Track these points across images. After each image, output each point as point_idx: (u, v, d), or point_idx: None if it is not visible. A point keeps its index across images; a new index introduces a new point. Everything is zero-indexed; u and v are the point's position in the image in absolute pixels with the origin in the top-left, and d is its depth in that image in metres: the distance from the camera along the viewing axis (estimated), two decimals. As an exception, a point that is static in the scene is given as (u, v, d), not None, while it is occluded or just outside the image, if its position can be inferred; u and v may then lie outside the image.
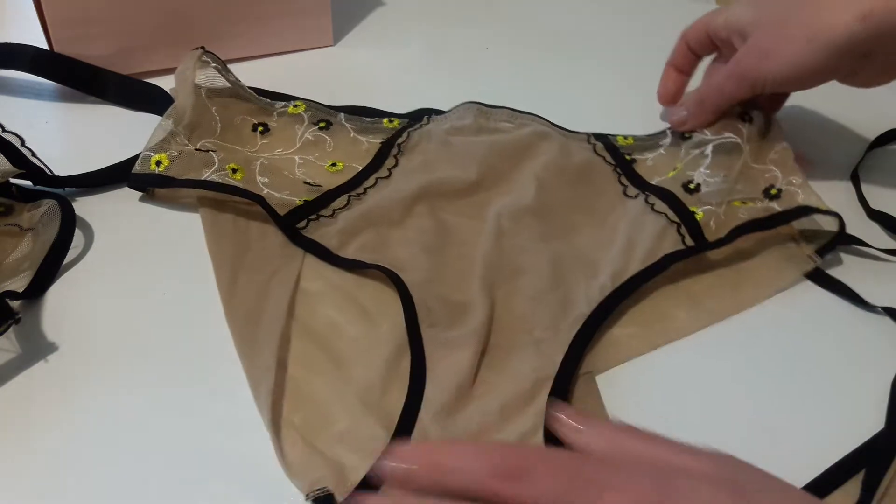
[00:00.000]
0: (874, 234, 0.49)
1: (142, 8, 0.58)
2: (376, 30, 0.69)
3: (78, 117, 0.58)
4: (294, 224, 0.47)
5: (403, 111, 0.57)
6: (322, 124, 0.55)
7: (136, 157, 0.50)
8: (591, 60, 0.66)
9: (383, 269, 0.44)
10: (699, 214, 0.48)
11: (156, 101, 0.56)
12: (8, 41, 0.59)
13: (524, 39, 0.68)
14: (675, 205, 0.48)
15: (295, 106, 0.55)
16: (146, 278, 0.45)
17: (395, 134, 0.54)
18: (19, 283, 0.43)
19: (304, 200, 0.48)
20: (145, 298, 0.44)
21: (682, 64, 0.56)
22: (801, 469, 0.37)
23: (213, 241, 0.47)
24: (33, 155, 0.47)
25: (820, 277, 0.46)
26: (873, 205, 0.51)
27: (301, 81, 0.59)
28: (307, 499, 0.35)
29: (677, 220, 0.47)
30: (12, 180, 0.47)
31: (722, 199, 0.48)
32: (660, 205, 0.49)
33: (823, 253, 0.47)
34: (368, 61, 0.65)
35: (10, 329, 0.40)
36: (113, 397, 0.39)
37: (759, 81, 0.49)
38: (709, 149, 0.52)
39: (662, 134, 0.56)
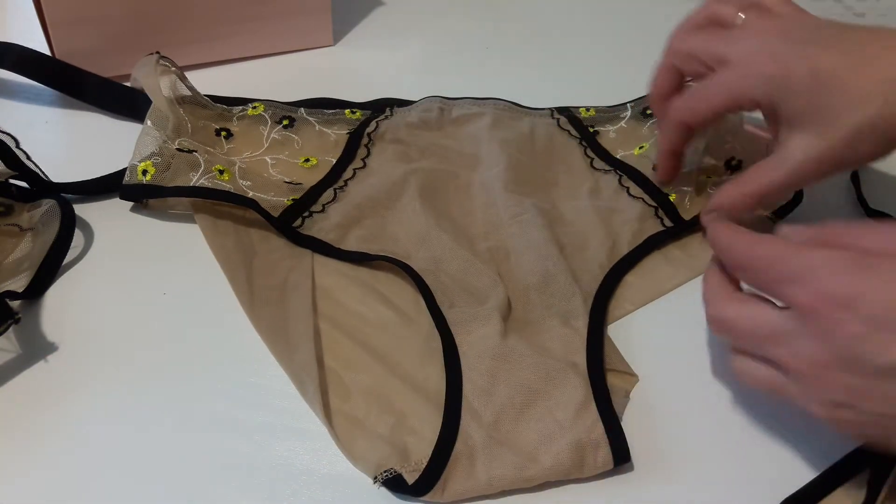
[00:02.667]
0: (874, 234, 0.49)
1: (141, 8, 0.58)
2: (376, 30, 0.69)
3: (78, 119, 0.57)
4: (291, 223, 0.47)
5: (403, 111, 0.57)
6: (285, 122, 0.55)
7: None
8: (592, 60, 0.66)
9: (391, 260, 0.45)
10: (672, 196, 0.50)
11: (139, 107, 0.55)
12: (8, 41, 0.59)
13: (524, 39, 0.68)
14: (650, 188, 0.51)
15: (254, 108, 0.55)
16: (146, 278, 0.45)
17: (362, 124, 0.55)
18: (19, 283, 0.43)
19: (293, 199, 0.48)
20: (145, 298, 0.44)
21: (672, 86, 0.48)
22: (801, 469, 0.37)
23: (218, 251, 0.46)
24: (28, 158, 0.46)
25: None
26: (873, 205, 0.51)
27: (301, 81, 0.59)
28: (375, 481, 0.35)
29: (654, 203, 0.50)
30: (12, 181, 0.47)
31: (690, 169, 0.51)
32: (635, 189, 0.51)
33: (782, 215, 0.49)
34: (368, 61, 0.65)
35: (10, 329, 0.40)
36: (113, 397, 0.39)
37: None
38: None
39: (622, 107, 0.58)
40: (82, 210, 0.49)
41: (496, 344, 0.40)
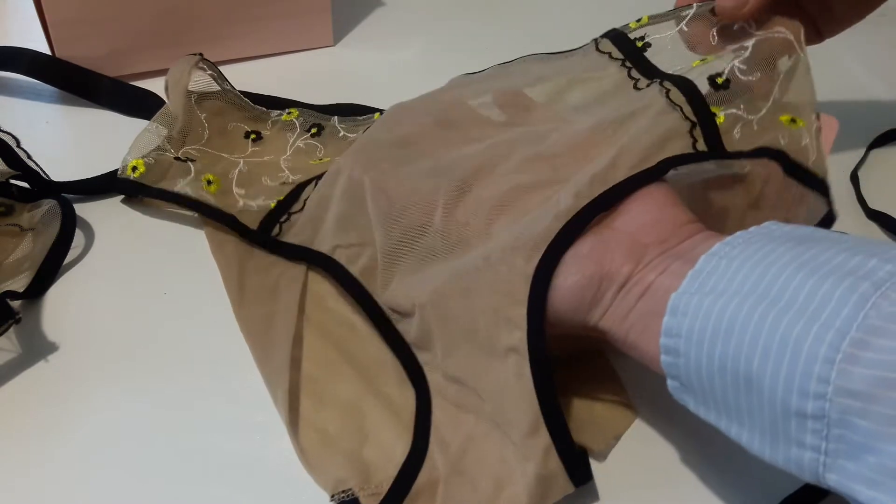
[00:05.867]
0: (874, 235, 0.49)
1: (142, 8, 0.58)
2: (376, 30, 0.69)
3: (79, 118, 0.58)
4: (269, 233, 0.46)
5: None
6: (314, 130, 0.54)
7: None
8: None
9: (321, 258, 0.43)
10: (720, 118, 0.39)
11: (151, 108, 0.56)
12: (8, 41, 0.59)
13: (524, 40, 0.68)
14: (695, 99, 0.39)
15: (288, 113, 0.55)
16: (146, 278, 0.45)
17: None
18: (19, 283, 0.43)
19: (278, 201, 0.47)
20: (145, 298, 0.44)
21: None
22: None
23: (216, 248, 0.46)
24: (29, 157, 0.47)
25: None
26: (872, 205, 0.51)
27: (301, 81, 0.59)
28: (332, 500, 0.35)
29: (693, 118, 0.38)
30: (12, 181, 0.47)
31: (748, 100, 0.39)
32: (675, 94, 0.39)
33: None
34: (368, 61, 0.65)
35: (10, 329, 0.40)
36: (113, 397, 0.39)
37: None
38: (751, 41, 0.40)
39: (685, 7, 0.43)
40: (83, 210, 0.49)
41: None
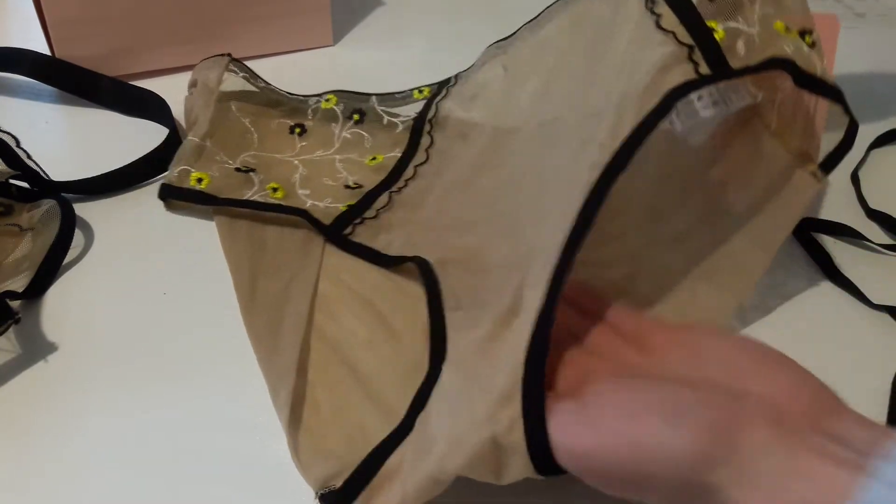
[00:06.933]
0: (874, 234, 0.49)
1: (141, 8, 0.58)
2: (376, 30, 0.69)
3: (79, 118, 0.58)
4: (341, 231, 0.47)
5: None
6: (356, 117, 0.55)
7: (133, 164, 0.51)
8: (591, 60, 0.66)
9: (411, 260, 0.44)
10: (719, 33, 0.34)
11: (151, 108, 0.56)
12: (8, 41, 0.59)
13: (524, 39, 0.68)
14: (689, 18, 0.34)
15: (327, 100, 0.55)
16: (146, 278, 0.45)
17: (424, 108, 0.54)
18: (19, 283, 0.43)
19: (348, 205, 0.49)
20: (145, 298, 0.44)
21: None
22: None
23: (229, 246, 0.46)
24: (28, 157, 0.47)
25: (827, 269, 0.46)
26: (872, 205, 0.51)
27: (301, 81, 0.59)
28: (317, 497, 0.35)
29: (690, 41, 0.34)
30: (12, 181, 0.47)
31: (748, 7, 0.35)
32: (668, 17, 0.35)
33: (827, 168, 0.39)
34: (368, 61, 0.65)
35: (10, 329, 0.40)
36: (113, 397, 0.39)
37: None
38: None
39: None
40: (82, 210, 0.49)
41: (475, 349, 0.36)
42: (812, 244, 0.48)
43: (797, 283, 0.46)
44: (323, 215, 0.48)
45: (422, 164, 0.51)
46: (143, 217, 0.49)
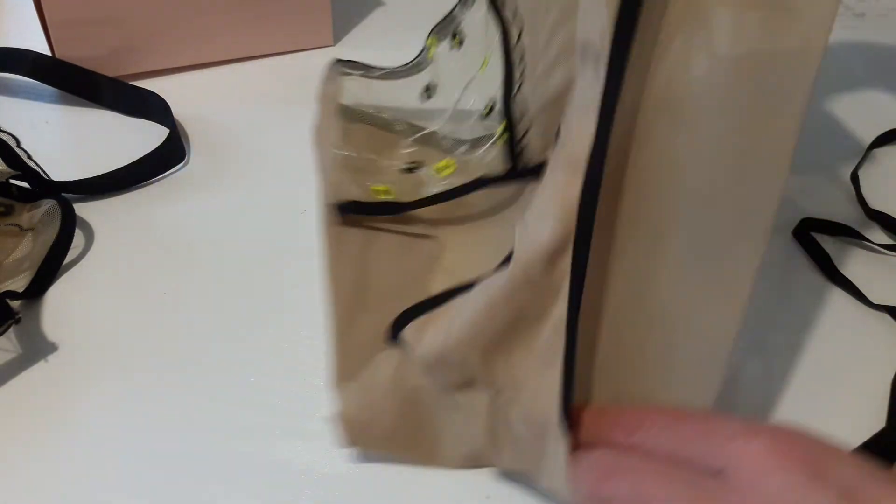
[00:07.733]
0: (874, 234, 0.49)
1: (141, 8, 0.58)
2: (376, 30, 0.69)
3: (79, 118, 0.58)
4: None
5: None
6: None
7: (133, 164, 0.50)
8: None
9: None
10: None
11: (151, 108, 0.56)
12: (8, 41, 0.59)
13: (524, 39, 0.68)
14: None
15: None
16: (146, 278, 0.45)
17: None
18: (19, 283, 0.43)
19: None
20: (145, 298, 0.44)
21: None
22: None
23: (333, 267, 0.42)
24: (29, 157, 0.47)
25: (827, 269, 0.46)
26: (872, 205, 0.51)
27: (301, 81, 0.59)
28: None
29: None
30: (12, 181, 0.47)
31: None
32: None
33: None
34: (368, 61, 0.65)
35: (11, 329, 0.40)
36: (113, 397, 0.39)
37: None
38: None
39: None
40: (82, 210, 0.49)
41: None
42: (812, 244, 0.48)
43: (797, 283, 0.46)
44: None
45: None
46: (143, 217, 0.49)
